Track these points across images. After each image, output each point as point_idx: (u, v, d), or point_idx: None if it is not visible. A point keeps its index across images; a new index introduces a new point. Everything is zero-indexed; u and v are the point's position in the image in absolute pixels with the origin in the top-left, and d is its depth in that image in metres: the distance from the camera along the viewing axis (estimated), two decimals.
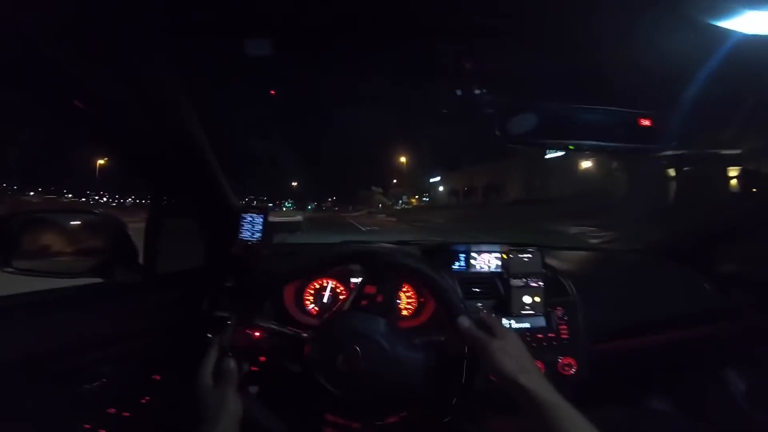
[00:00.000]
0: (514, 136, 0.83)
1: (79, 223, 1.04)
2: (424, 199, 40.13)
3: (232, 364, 0.74)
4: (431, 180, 35.46)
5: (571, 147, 0.84)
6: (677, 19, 0.68)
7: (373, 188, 54.68)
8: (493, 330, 0.72)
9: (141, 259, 1.06)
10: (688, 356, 1.35)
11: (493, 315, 1.12)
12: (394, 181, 52.67)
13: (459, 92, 1.11)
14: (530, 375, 0.67)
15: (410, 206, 40.45)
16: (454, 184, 30.38)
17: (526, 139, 0.84)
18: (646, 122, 0.79)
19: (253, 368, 0.80)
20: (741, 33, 0.64)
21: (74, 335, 0.87)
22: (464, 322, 0.74)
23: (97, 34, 0.67)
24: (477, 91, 1.06)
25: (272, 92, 1.32)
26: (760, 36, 0.64)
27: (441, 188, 33.87)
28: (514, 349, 0.70)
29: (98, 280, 0.99)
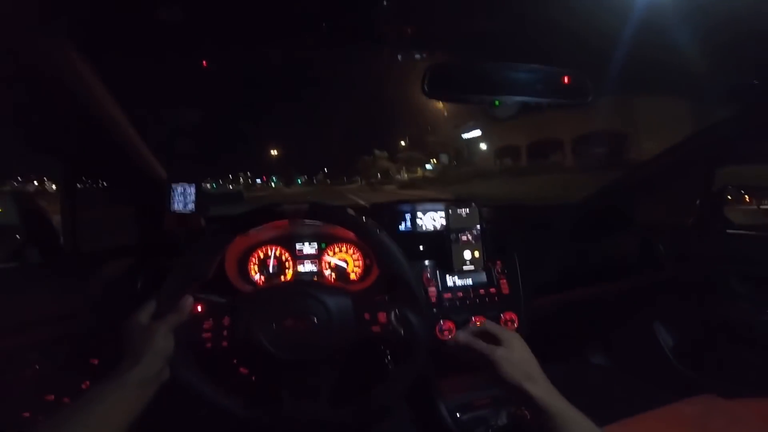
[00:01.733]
0: (441, 91, 0.86)
1: None
2: (427, 166, 34.95)
3: (184, 302, 0.75)
4: (466, 135, 25.15)
5: (496, 102, 0.88)
6: None
7: (376, 152, 44.55)
8: (496, 338, 0.74)
9: (62, 241, 1.02)
10: (618, 310, 1.48)
11: (437, 272, 1.18)
12: (402, 143, 43.11)
13: (400, 57, 1.12)
14: (536, 383, 0.67)
15: (417, 175, 34.45)
16: (509, 138, 21.03)
17: (453, 94, 0.88)
18: (565, 79, 0.85)
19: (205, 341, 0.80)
20: None
21: None
22: (461, 335, 0.78)
23: None
24: (417, 56, 1.07)
25: (204, 63, 1.27)
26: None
27: (483, 146, 24.36)
28: (518, 356, 0.71)
29: (12, 264, 0.95)
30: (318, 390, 0.83)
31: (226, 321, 0.80)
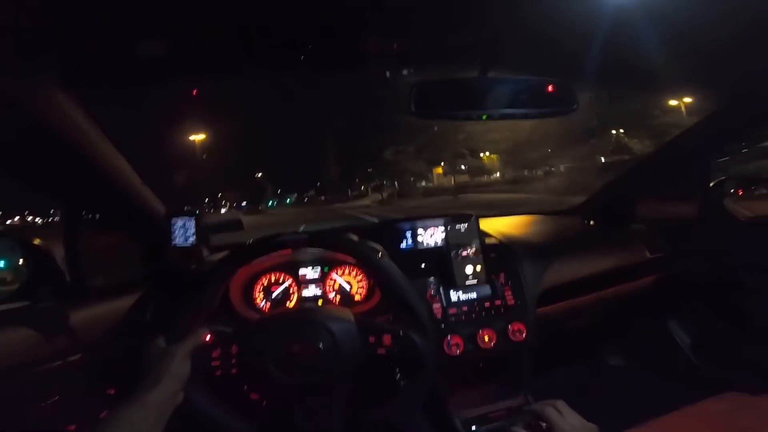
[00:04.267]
0: (429, 110, 0.88)
1: None
2: (460, 167, 26.41)
3: (197, 329, 0.79)
4: None
5: (483, 117, 0.90)
6: None
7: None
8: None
9: (68, 278, 1.05)
10: (629, 311, 1.47)
11: (441, 289, 1.19)
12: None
13: (388, 74, 1.14)
14: None
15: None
16: None
17: (441, 112, 0.90)
18: (549, 88, 0.87)
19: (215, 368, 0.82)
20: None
21: (7, 358, 0.88)
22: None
23: None
24: (404, 72, 1.10)
25: (194, 92, 1.31)
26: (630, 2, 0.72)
27: None
28: None
29: (24, 303, 0.98)
30: (330, 411, 0.84)
31: (234, 349, 0.82)
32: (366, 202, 31.37)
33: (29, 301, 0.99)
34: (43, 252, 1.00)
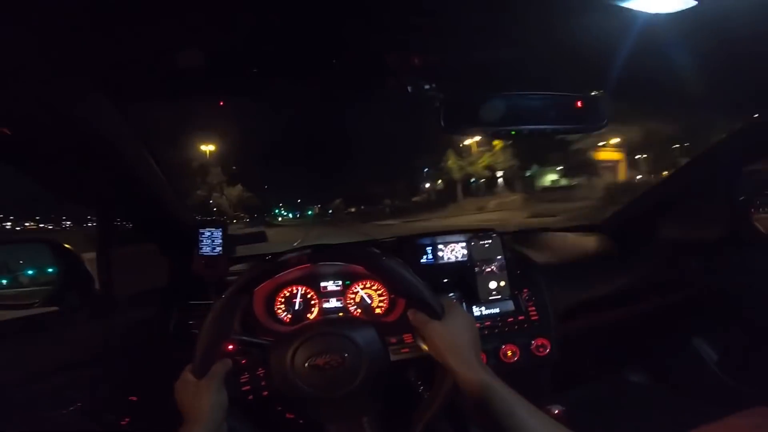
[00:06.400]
0: (457, 126, 0.89)
1: (22, 252, 1.04)
2: None
3: (225, 361, 0.76)
4: None
5: (513, 132, 0.90)
6: (592, 4, 0.76)
7: None
8: (442, 311, 0.74)
9: (97, 285, 1.06)
10: (654, 327, 1.44)
11: (464, 304, 1.17)
12: None
13: (410, 89, 1.15)
14: (457, 356, 0.67)
15: None
16: None
17: (470, 128, 0.90)
18: (577, 104, 0.86)
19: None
20: (646, 13, 0.72)
21: (35, 363, 0.89)
22: (411, 313, 0.77)
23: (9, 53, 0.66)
24: (426, 86, 1.10)
25: (221, 103, 1.34)
26: (663, 14, 0.72)
27: None
28: (448, 330, 0.71)
29: (54, 308, 0.99)
30: (365, 421, 0.83)
31: (261, 372, 0.82)
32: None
33: (59, 307, 1.01)
34: (75, 258, 1.01)
